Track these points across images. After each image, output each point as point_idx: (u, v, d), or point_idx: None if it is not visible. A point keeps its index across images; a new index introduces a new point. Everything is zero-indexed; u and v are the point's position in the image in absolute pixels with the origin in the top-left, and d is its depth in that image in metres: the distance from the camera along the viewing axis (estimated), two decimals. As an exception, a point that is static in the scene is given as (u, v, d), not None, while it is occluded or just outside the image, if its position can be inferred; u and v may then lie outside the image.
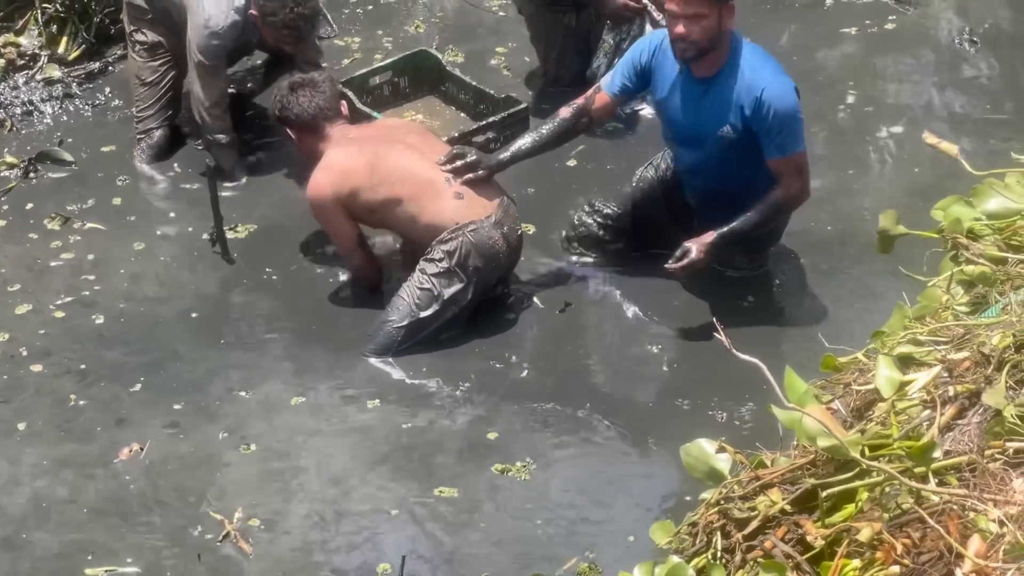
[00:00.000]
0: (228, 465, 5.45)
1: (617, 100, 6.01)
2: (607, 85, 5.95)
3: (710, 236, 5.70)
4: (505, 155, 6.03)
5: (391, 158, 5.89)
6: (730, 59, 5.64)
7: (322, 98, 6.02)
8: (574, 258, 6.37)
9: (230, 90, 7.25)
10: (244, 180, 7.06)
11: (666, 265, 5.73)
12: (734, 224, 5.71)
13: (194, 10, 6.67)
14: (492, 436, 5.52)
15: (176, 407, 5.72)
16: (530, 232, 6.35)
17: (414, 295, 5.88)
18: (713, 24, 5.50)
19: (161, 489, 5.35)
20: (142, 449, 5.50)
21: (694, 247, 5.68)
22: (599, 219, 6.28)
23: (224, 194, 6.65)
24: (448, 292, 5.86)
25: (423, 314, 5.88)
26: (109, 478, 5.40)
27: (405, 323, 5.90)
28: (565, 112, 6.00)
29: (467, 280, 5.85)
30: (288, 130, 6.16)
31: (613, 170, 6.99)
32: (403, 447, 5.51)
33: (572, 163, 7.06)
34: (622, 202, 6.28)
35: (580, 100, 5.99)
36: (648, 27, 7.07)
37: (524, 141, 6.06)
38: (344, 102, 6.22)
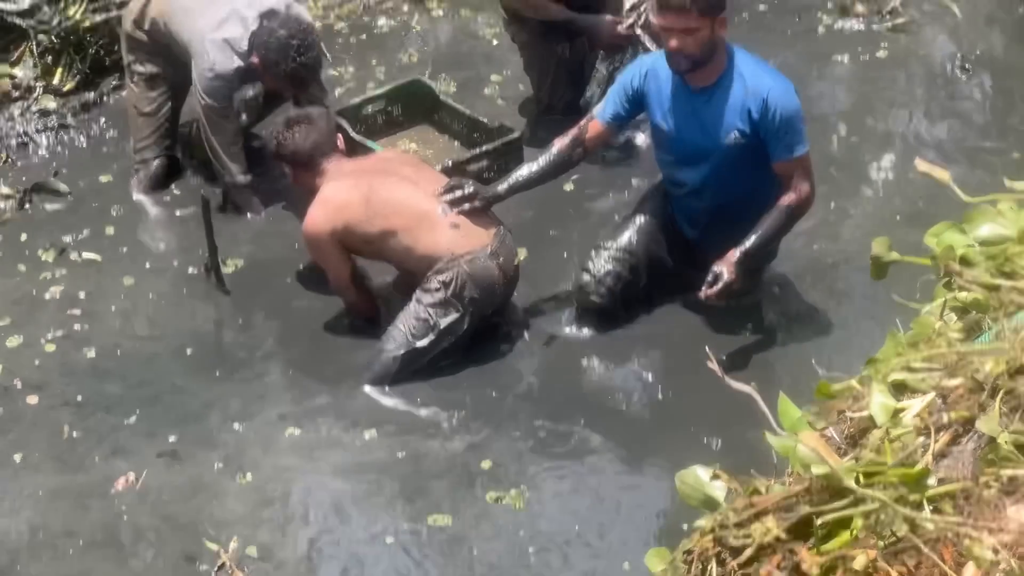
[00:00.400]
0: (224, 495, 5.45)
1: (611, 128, 6.00)
2: (600, 113, 5.95)
3: (734, 255, 5.66)
4: (502, 187, 6.03)
5: (385, 190, 5.90)
6: (728, 66, 5.66)
7: (318, 134, 6.04)
8: (585, 330, 6.20)
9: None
10: (263, 214, 7.08)
11: (700, 293, 5.68)
12: (753, 238, 5.70)
13: (198, 55, 6.68)
14: (486, 464, 5.52)
15: (172, 439, 5.72)
16: (522, 256, 6.30)
17: (410, 325, 5.89)
18: (706, 36, 5.51)
19: (157, 519, 5.34)
20: (138, 479, 5.50)
21: (724, 268, 5.63)
22: (622, 255, 6.07)
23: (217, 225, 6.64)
24: (444, 322, 5.87)
25: (419, 344, 5.89)
26: (105, 509, 5.40)
27: (401, 353, 5.91)
28: (560, 143, 6.00)
29: (463, 310, 5.86)
30: (284, 166, 6.18)
31: (609, 197, 7.02)
32: (398, 475, 5.51)
33: (568, 188, 7.07)
34: (630, 236, 6.11)
35: (574, 130, 5.98)
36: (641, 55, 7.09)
37: (521, 173, 6.05)
38: (340, 136, 6.24)
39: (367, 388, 5.94)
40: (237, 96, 6.93)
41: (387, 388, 5.92)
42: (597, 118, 5.95)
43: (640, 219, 6.15)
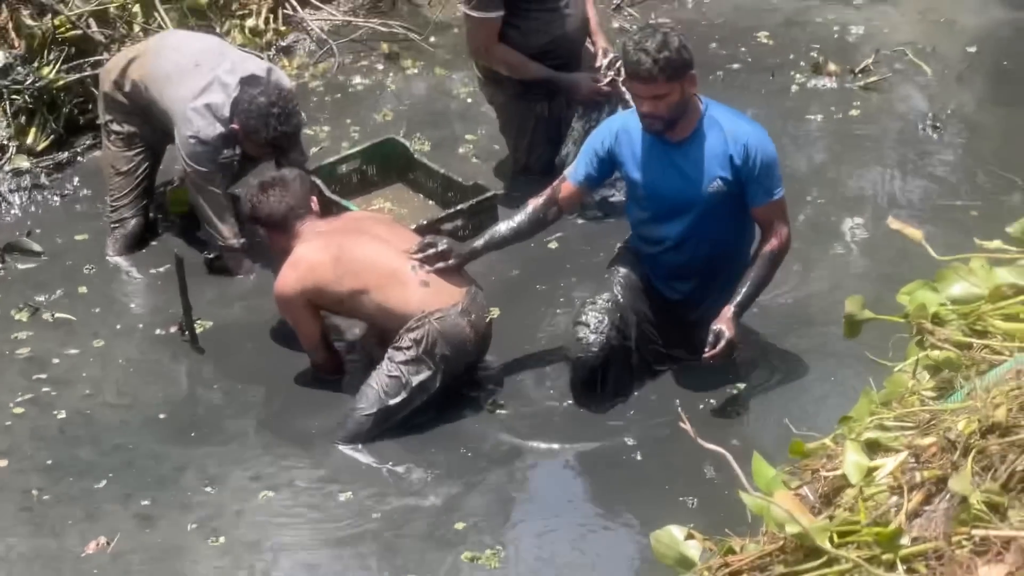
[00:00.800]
0: (197, 558, 5.39)
1: (583, 188, 6.02)
2: (572, 175, 5.97)
3: (728, 311, 5.69)
4: (477, 244, 6.04)
5: (356, 249, 5.92)
6: (704, 116, 5.70)
7: (292, 197, 6.07)
8: (560, 388, 6.14)
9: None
10: (253, 276, 7.06)
11: (704, 355, 5.67)
12: (743, 291, 5.74)
13: (181, 122, 6.70)
14: (461, 525, 5.48)
15: (144, 502, 5.66)
16: (496, 314, 6.22)
17: (383, 383, 5.88)
18: (676, 98, 5.55)
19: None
20: (109, 543, 5.44)
21: (723, 326, 5.64)
22: (612, 307, 5.95)
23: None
24: (416, 379, 5.86)
25: (391, 402, 5.88)
26: (77, 573, 5.33)
27: (374, 411, 5.90)
28: (534, 203, 6.01)
29: (435, 368, 5.86)
30: (259, 228, 6.19)
31: (592, 254, 6.97)
32: (372, 536, 5.47)
33: (553, 245, 7.08)
34: (617, 290, 6.04)
35: (548, 191, 6.01)
36: (620, 111, 7.09)
37: (497, 230, 6.06)
38: (315, 198, 6.25)
39: (341, 447, 5.91)
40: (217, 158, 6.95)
41: (360, 447, 5.89)
42: (569, 179, 5.97)
43: (620, 274, 6.10)
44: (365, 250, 5.93)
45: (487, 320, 6.05)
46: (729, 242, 5.88)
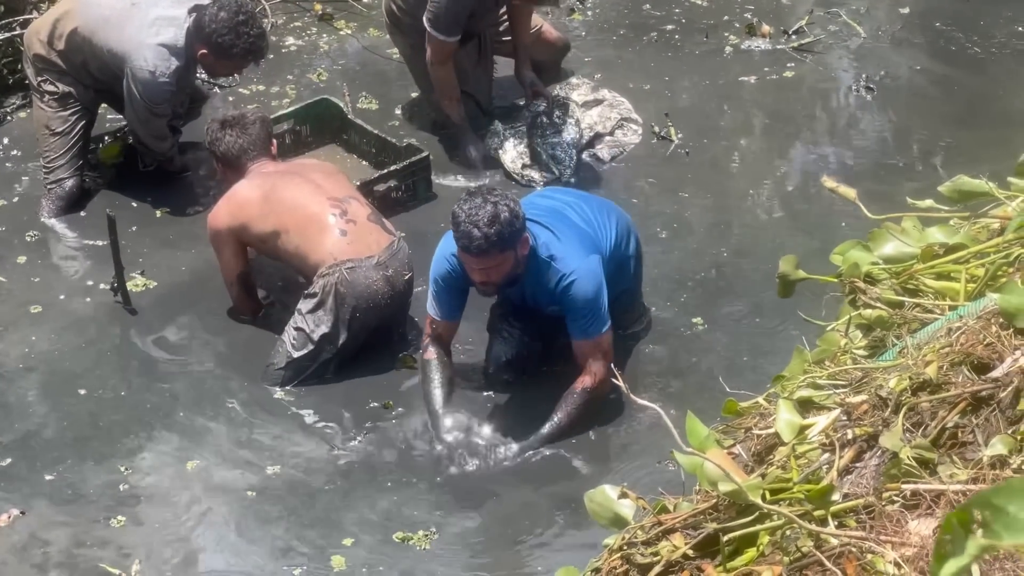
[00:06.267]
0: (121, 527, 5.31)
1: (455, 321, 5.88)
2: (437, 314, 5.81)
3: (527, 443, 5.66)
4: (436, 409, 5.78)
5: (286, 190, 6.03)
6: (531, 259, 5.57)
7: (247, 139, 6.22)
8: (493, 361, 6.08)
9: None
10: (188, 175, 7.42)
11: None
12: (544, 430, 5.65)
13: (135, 59, 6.70)
14: (393, 501, 5.44)
15: (49, 476, 5.56)
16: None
17: (291, 336, 6.02)
18: (510, 264, 5.47)
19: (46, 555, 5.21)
20: (23, 513, 5.35)
21: (504, 448, 5.66)
22: (508, 333, 6.03)
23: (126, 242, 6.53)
24: (320, 331, 5.95)
25: (297, 354, 6.00)
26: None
27: (283, 365, 6.03)
28: (431, 357, 5.84)
29: (338, 318, 5.92)
30: (215, 162, 6.36)
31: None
32: (299, 512, 5.43)
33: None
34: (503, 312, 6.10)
35: (432, 342, 5.85)
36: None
37: (435, 398, 5.79)
38: (274, 141, 6.40)
39: (273, 390, 6.01)
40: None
41: (296, 417, 5.91)
42: (439, 319, 5.82)
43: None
44: (294, 192, 6.03)
45: (406, 277, 6.08)
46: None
